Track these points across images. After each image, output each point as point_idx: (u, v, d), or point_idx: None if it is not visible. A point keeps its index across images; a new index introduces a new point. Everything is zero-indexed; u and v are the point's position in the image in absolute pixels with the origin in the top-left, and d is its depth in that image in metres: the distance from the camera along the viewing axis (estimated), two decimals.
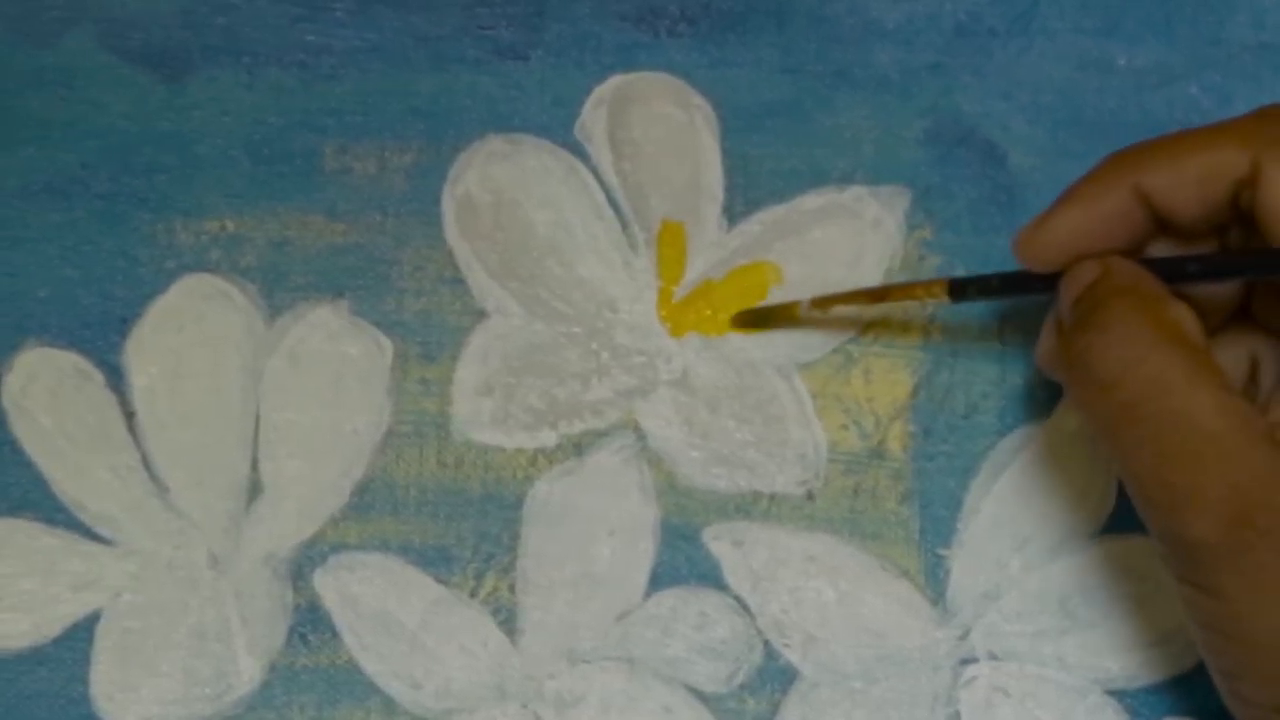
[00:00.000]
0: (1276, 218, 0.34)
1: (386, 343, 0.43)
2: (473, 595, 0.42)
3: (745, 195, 0.44)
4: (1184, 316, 0.34)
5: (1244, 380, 0.38)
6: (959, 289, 0.39)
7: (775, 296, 0.43)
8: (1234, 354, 0.38)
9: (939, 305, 0.43)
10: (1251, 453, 0.32)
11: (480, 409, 0.42)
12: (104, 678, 0.41)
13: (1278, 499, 0.32)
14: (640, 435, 0.42)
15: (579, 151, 0.44)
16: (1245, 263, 0.36)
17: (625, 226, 0.43)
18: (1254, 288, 0.38)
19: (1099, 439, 0.35)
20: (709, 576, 0.42)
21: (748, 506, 0.42)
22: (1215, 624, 0.33)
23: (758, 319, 0.43)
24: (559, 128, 0.44)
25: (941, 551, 0.42)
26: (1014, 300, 0.43)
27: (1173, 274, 0.36)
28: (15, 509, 0.42)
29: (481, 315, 0.43)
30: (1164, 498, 0.33)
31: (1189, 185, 0.35)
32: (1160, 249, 0.37)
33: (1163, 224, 0.36)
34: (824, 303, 0.42)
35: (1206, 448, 0.32)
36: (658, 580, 0.42)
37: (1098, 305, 0.35)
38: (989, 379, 0.42)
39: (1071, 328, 0.35)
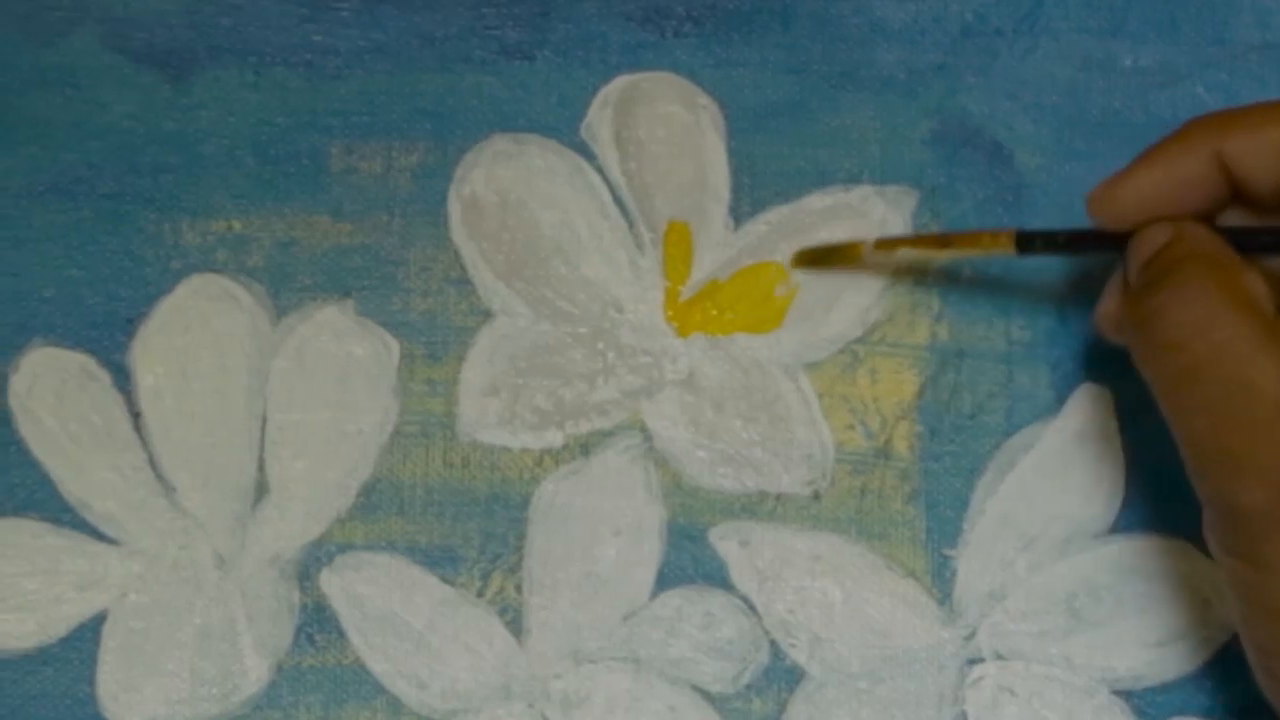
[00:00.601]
0: None
1: (393, 343, 0.43)
2: (479, 595, 0.41)
3: (751, 195, 0.44)
4: (1257, 285, 0.34)
5: None
6: (1026, 241, 0.39)
7: (782, 296, 0.43)
8: None
9: (945, 305, 0.43)
10: None
11: (486, 409, 0.42)
12: (109, 678, 0.41)
13: None
14: (646, 435, 0.42)
15: (585, 151, 0.44)
16: None
17: (631, 226, 0.43)
18: None
19: (1160, 400, 0.34)
20: (715, 576, 0.42)
21: (754, 506, 0.42)
22: (1257, 597, 0.33)
23: (819, 257, 0.42)
24: (565, 128, 0.44)
25: (948, 551, 0.42)
26: (1019, 300, 0.43)
27: (1245, 244, 0.35)
28: (21, 509, 0.42)
29: (487, 315, 0.43)
30: (1219, 464, 0.33)
31: (1269, 155, 0.35)
32: (1232, 218, 0.37)
33: (1238, 193, 0.36)
34: (889, 244, 0.41)
35: (1268, 416, 0.32)
36: (664, 580, 0.42)
37: (1172, 266, 0.35)
38: (995, 379, 0.42)
39: (1142, 287, 0.35)
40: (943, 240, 0.41)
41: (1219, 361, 0.33)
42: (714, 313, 0.43)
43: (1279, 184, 0.36)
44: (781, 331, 0.43)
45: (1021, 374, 0.42)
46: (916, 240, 0.41)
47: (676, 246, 0.43)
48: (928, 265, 0.43)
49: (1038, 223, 0.43)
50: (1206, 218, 0.37)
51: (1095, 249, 0.38)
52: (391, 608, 0.41)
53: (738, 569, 0.42)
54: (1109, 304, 0.38)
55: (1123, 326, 0.37)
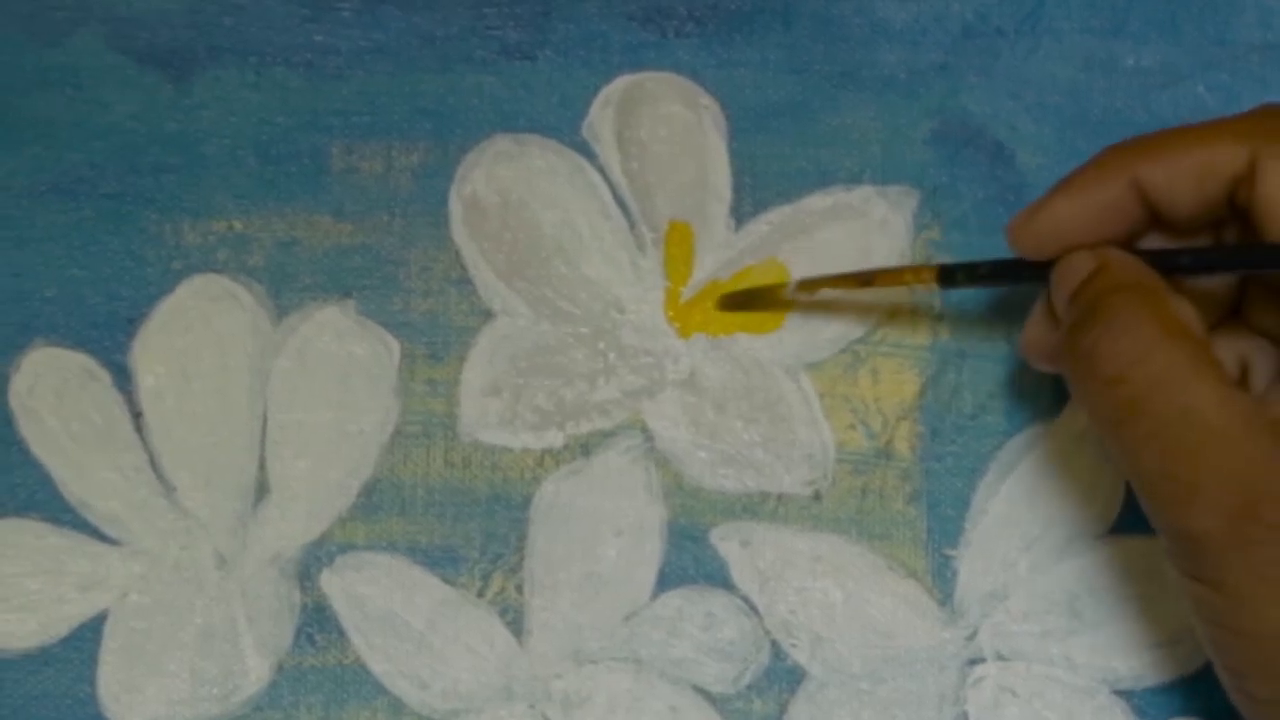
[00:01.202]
0: (1272, 214, 0.34)
1: (394, 343, 0.43)
2: (480, 595, 0.41)
3: (753, 195, 0.44)
4: (1186, 311, 0.34)
5: (1235, 383, 0.38)
6: (948, 275, 0.39)
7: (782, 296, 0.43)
8: (1225, 356, 0.38)
9: (946, 304, 0.43)
10: (1255, 446, 0.32)
11: (487, 409, 0.42)
12: (111, 678, 0.41)
13: None
14: (647, 435, 0.42)
15: (586, 151, 0.44)
16: (1239, 257, 0.36)
17: (632, 226, 0.43)
18: (1246, 289, 0.38)
19: (1103, 434, 0.35)
20: (716, 577, 0.42)
21: (755, 507, 0.42)
22: (1221, 620, 0.33)
23: (744, 300, 0.43)
24: (566, 128, 0.44)
25: (949, 552, 0.42)
26: (1020, 300, 0.43)
27: (1166, 266, 0.36)
28: (22, 509, 0.42)
29: (488, 315, 0.43)
30: (1169, 492, 0.33)
31: (1186, 180, 0.35)
32: (1153, 242, 0.37)
33: (1158, 218, 0.36)
34: (811, 285, 0.42)
35: (1211, 442, 0.32)
36: (665, 580, 0.42)
37: (1099, 300, 0.35)
38: (997, 379, 0.42)
39: (1074, 324, 0.35)
40: (865, 278, 0.41)
41: (1159, 391, 0.33)
42: (715, 313, 0.43)
43: (1197, 209, 0.36)
44: (783, 332, 0.43)
45: (1023, 374, 0.42)
46: (840, 279, 0.41)
47: (678, 247, 0.43)
48: (846, 304, 0.43)
49: None
50: (1126, 244, 0.37)
51: (1019, 279, 0.38)
52: (392, 608, 0.41)
53: (739, 569, 0.42)
54: (1033, 332, 0.38)
55: (1052, 356, 0.37)
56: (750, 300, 0.43)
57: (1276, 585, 0.32)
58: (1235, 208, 0.36)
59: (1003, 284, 0.40)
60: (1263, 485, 0.32)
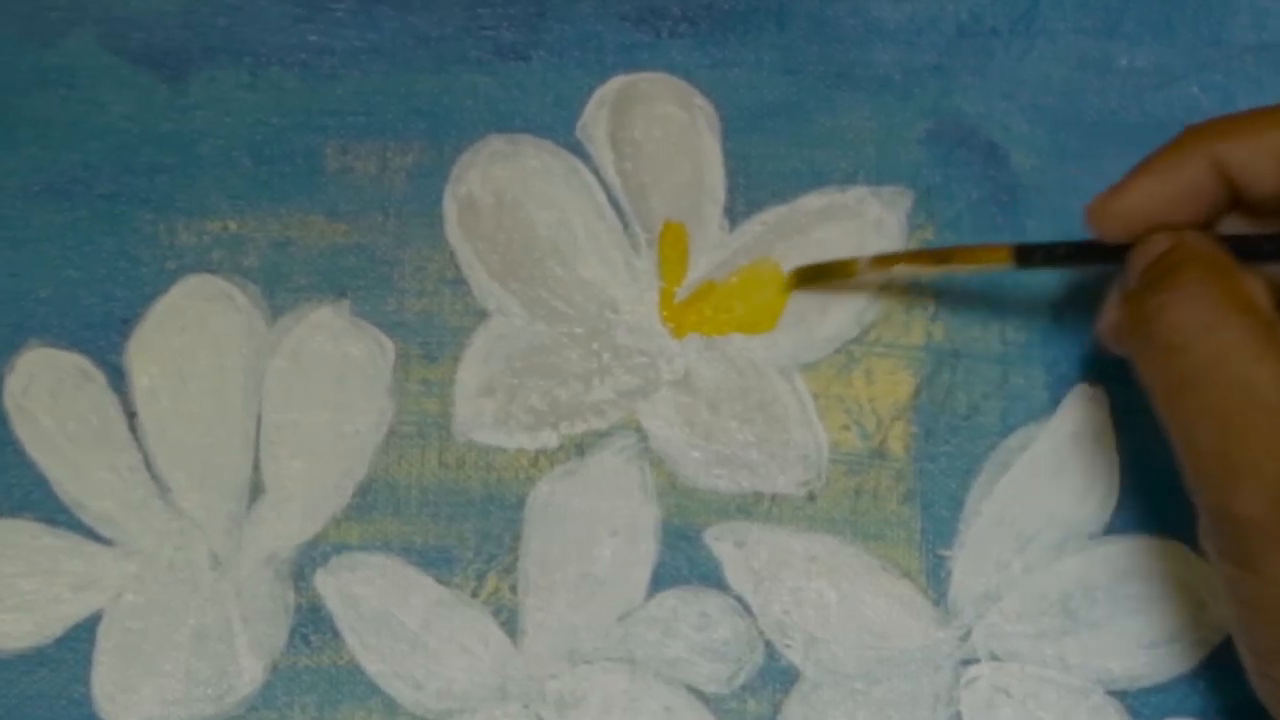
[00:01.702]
0: None
1: (388, 343, 0.43)
2: (474, 596, 0.41)
3: (747, 196, 0.44)
4: (1257, 288, 0.34)
5: None
6: (1025, 255, 0.39)
7: (775, 296, 0.43)
8: None
9: (940, 305, 0.43)
10: None
11: (482, 410, 0.42)
12: (105, 678, 0.41)
13: None
14: (642, 436, 0.42)
15: (580, 152, 0.44)
16: None
17: (627, 227, 0.43)
18: None
19: (1157, 404, 0.34)
20: (710, 577, 0.42)
21: (749, 507, 0.42)
22: (1254, 603, 0.33)
23: (815, 274, 0.42)
24: (560, 128, 0.44)
25: (943, 552, 0.42)
26: (1014, 301, 0.43)
27: (1246, 252, 0.35)
28: (17, 509, 0.42)
29: (483, 316, 0.43)
30: (1218, 469, 0.33)
31: (1268, 159, 0.35)
32: (1233, 225, 0.37)
33: (1238, 199, 0.36)
34: (885, 261, 0.41)
35: (1268, 422, 0.32)
36: (659, 581, 0.42)
37: (1172, 269, 0.34)
38: (990, 380, 0.42)
39: (1141, 289, 0.35)
40: (940, 255, 0.41)
41: (1221, 364, 0.33)
42: (709, 313, 0.43)
43: (1277, 189, 0.35)
44: (777, 332, 0.43)
45: (1017, 375, 0.42)
46: (913, 255, 0.41)
47: (672, 247, 0.43)
48: (923, 281, 0.42)
49: (1032, 223, 0.43)
50: (1208, 226, 0.36)
51: (1095, 261, 0.38)
52: (387, 608, 0.41)
53: (733, 570, 0.42)
54: (1110, 315, 0.38)
55: (1124, 334, 0.37)
56: (822, 274, 0.42)
57: None
58: None
59: (1081, 265, 0.40)
60: None
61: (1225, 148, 0.35)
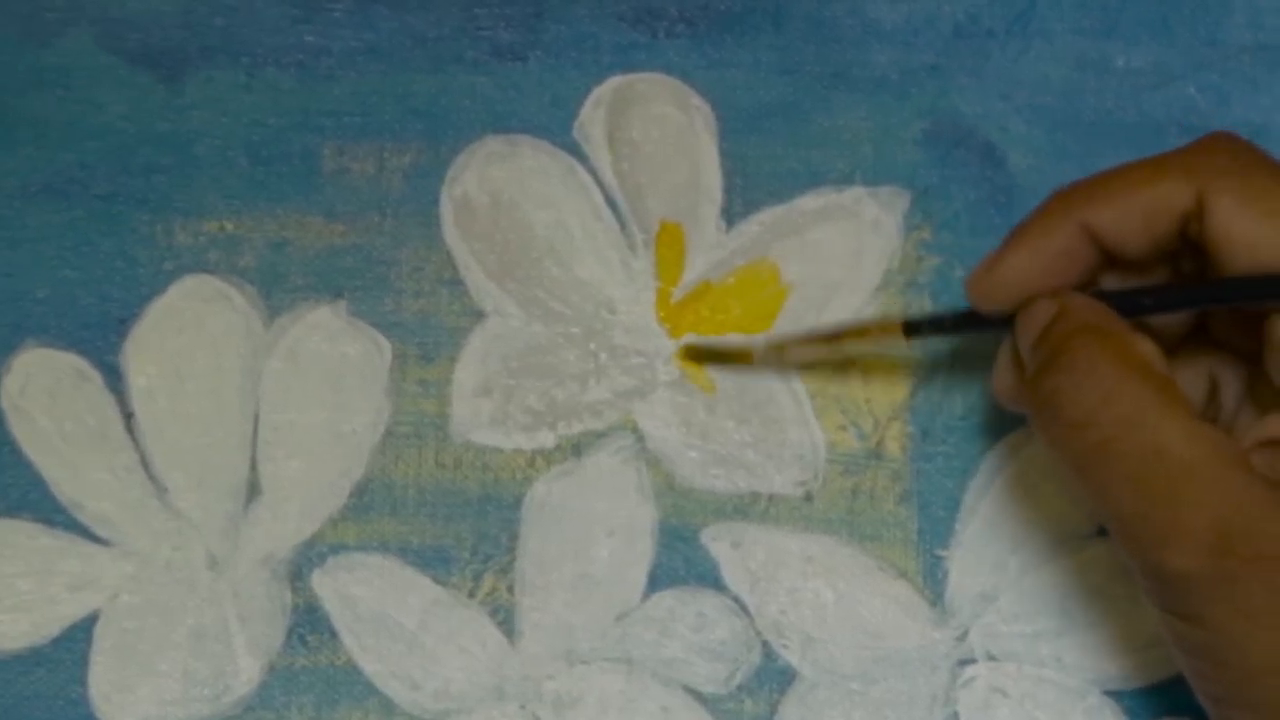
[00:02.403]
0: (1225, 248, 0.34)
1: (385, 343, 0.43)
2: (471, 596, 0.42)
3: (744, 196, 0.44)
4: (1147, 348, 0.34)
5: (1204, 402, 0.38)
6: (913, 328, 0.39)
7: (772, 296, 0.43)
8: (1192, 375, 0.38)
9: (937, 306, 0.43)
10: (1229, 481, 0.32)
11: (479, 410, 0.42)
12: (102, 679, 0.41)
13: (1258, 525, 0.32)
14: (638, 436, 0.42)
15: (577, 152, 0.44)
16: (1198, 294, 0.36)
17: (624, 227, 0.44)
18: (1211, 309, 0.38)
19: (1073, 479, 0.34)
20: (707, 577, 0.42)
21: (746, 507, 0.42)
22: (1204, 653, 0.33)
23: (709, 355, 0.43)
24: (557, 128, 0.44)
25: (940, 552, 0.42)
26: None
27: (1128, 308, 0.36)
28: (13, 510, 0.42)
29: (480, 316, 0.43)
30: (1145, 532, 0.33)
31: (1135, 220, 0.35)
32: (1112, 280, 0.37)
33: (1112, 258, 0.36)
34: (779, 345, 0.42)
35: (1184, 479, 0.32)
36: (656, 581, 0.42)
37: (1061, 345, 0.34)
38: (987, 380, 0.42)
39: (1036, 371, 0.35)
40: (833, 336, 0.41)
41: (1127, 432, 0.33)
42: (706, 314, 0.43)
43: (1149, 247, 0.36)
44: (774, 332, 0.43)
45: None
46: (807, 338, 0.41)
47: (669, 247, 0.43)
48: (816, 362, 0.42)
49: None
50: (1086, 285, 0.36)
51: (984, 328, 0.38)
52: (384, 608, 0.41)
53: (730, 570, 0.42)
54: (1002, 378, 0.38)
55: (1023, 400, 0.37)
56: (716, 356, 0.43)
57: (1256, 619, 0.32)
58: (1188, 241, 0.35)
59: (968, 333, 0.40)
60: (1238, 520, 0.32)
61: (1092, 212, 0.35)
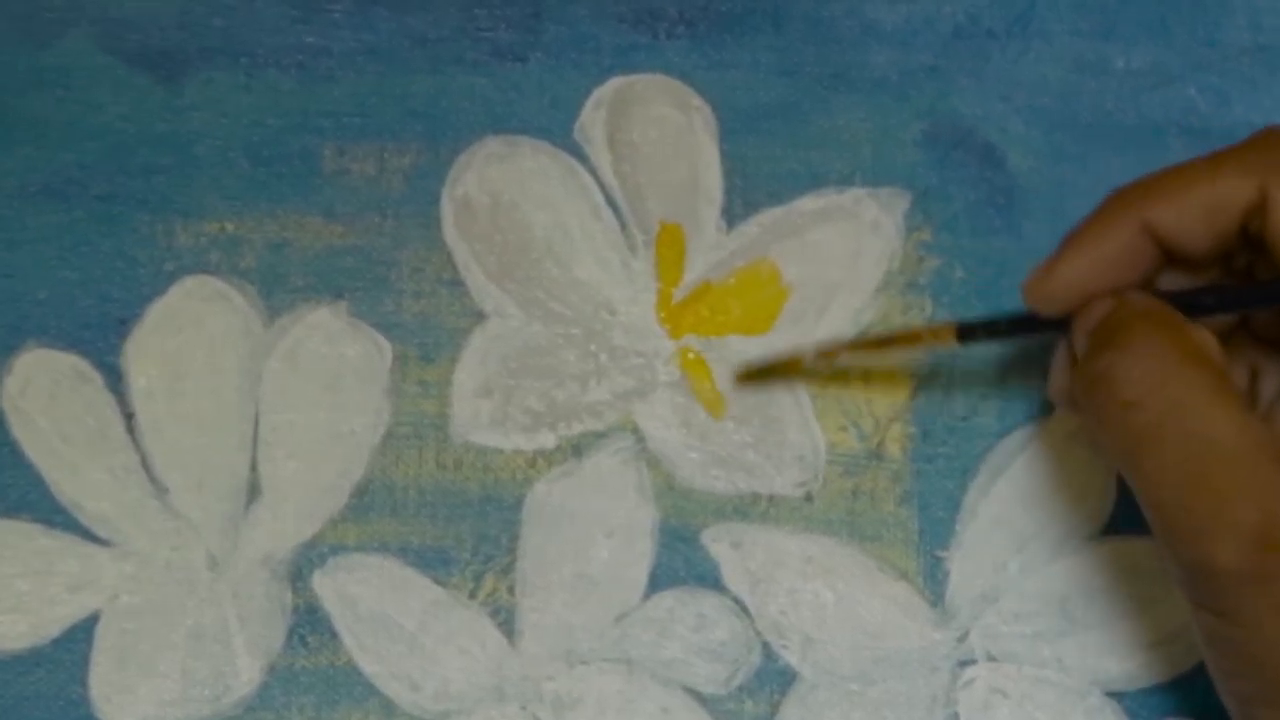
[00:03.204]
0: None
1: (385, 344, 0.43)
2: (471, 596, 0.41)
3: (744, 197, 0.44)
4: (1205, 338, 0.34)
5: (1244, 393, 0.38)
6: (967, 332, 0.39)
7: (772, 297, 0.43)
8: (1234, 366, 0.38)
9: (937, 306, 0.43)
10: (1274, 475, 0.32)
11: (479, 411, 0.42)
12: (102, 679, 0.41)
13: None
14: (639, 437, 0.42)
15: (577, 153, 0.44)
16: (1259, 294, 0.36)
17: (624, 228, 0.44)
18: None
19: (1118, 462, 0.34)
20: (707, 578, 0.42)
21: (746, 508, 0.42)
22: (1236, 650, 0.33)
23: (762, 373, 0.42)
24: (557, 129, 0.44)
25: (940, 553, 0.42)
26: (1011, 301, 0.43)
27: (1188, 307, 0.35)
28: (13, 510, 0.42)
29: (480, 317, 0.43)
30: (1187, 523, 0.32)
31: (1196, 218, 0.35)
32: (1170, 280, 0.37)
33: (1171, 258, 0.36)
34: (829, 353, 0.42)
35: (1231, 470, 0.32)
36: (656, 582, 0.42)
37: (1118, 327, 0.34)
38: (988, 380, 0.42)
39: (1090, 350, 0.35)
40: (884, 341, 0.41)
41: (1178, 417, 0.33)
42: (706, 314, 0.43)
43: (1210, 244, 0.35)
44: (774, 333, 0.43)
45: (1014, 376, 0.42)
46: (858, 344, 0.41)
47: (669, 248, 0.43)
48: (866, 368, 0.42)
49: (1029, 224, 0.43)
50: (1145, 285, 0.36)
51: (1040, 331, 0.38)
52: (384, 609, 0.41)
53: (730, 570, 0.42)
54: (1059, 380, 0.38)
55: (1077, 399, 0.37)
56: (768, 372, 0.42)
57: None
58: (1249, 238, 0.35)
59: (1023, 337, 0.40)
60: None
61: (1153, 211, 0.35)
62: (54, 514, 0.42)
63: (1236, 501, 0.32)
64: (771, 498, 0.42)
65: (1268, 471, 0.32)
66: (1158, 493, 0.33)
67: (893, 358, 0.42)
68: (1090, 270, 0.36)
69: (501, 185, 0.44)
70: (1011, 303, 0.43)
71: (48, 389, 0.42)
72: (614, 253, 0.43)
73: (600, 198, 0.44)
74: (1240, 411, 0.32)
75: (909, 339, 0.41)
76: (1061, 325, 0.37)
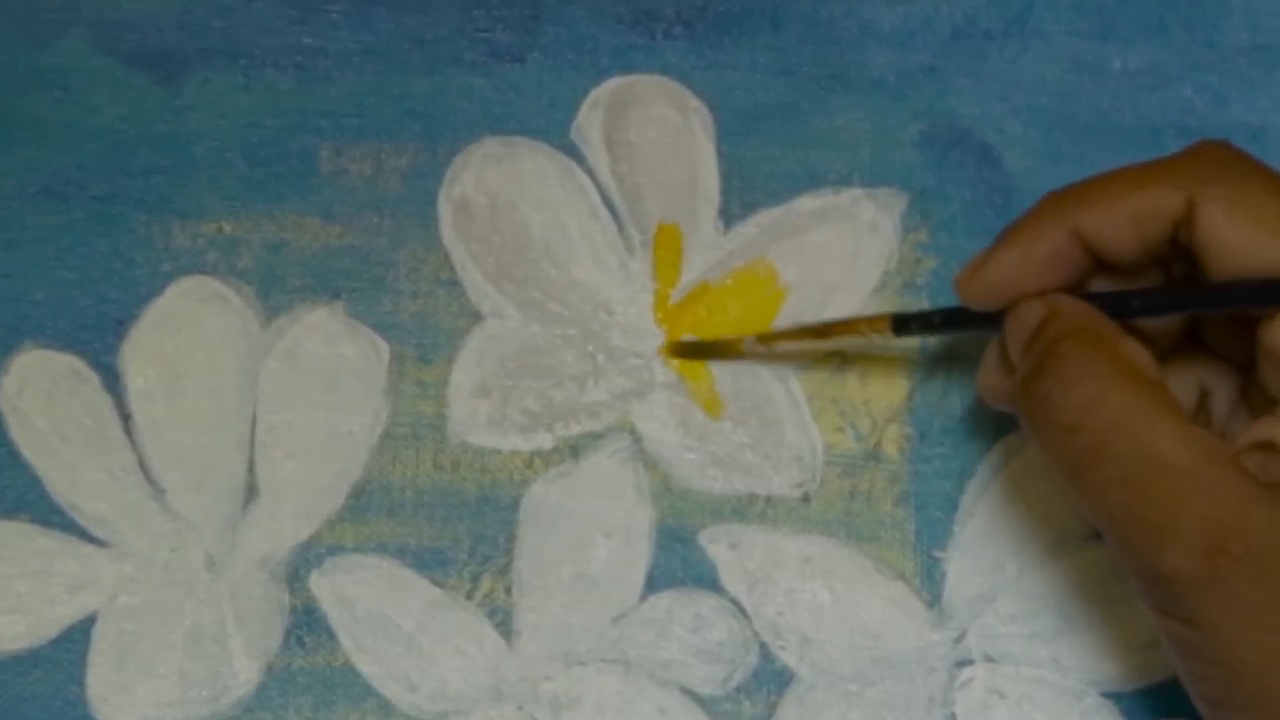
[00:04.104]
0: (1214, 255, 0.34)
1: (383, 345, 0.43)
2: (469, 597, 0.41)
3: (741, 198, 0.44)
4: (1137, 352, 0.34)
5: (1194, 408, 0.38)
6: (902, 324, 0.39)
7: (770, 297, 0.43)
8: (1183, 382, 0.38)
9: (935, 306, 0.43)
10: (1220, 481, 0.32)
11: (476, 411, 0.42)
12: (100, 680, 0.41)
13: (1249, 525, 0.32)
14: (636, 437, 0.42)
15: (575, 154, 0.44)
16: (1186, 298, 0.36)
17: (621, 229, 0.44)
18: (1202, 315, 0.38)
19: (1066, 482, 0.35)
20: (705, 579, 0.42)
21: (744, 509, 0.42)
22: (1198, 654, 0.33)
23: (697, 350, 0.43)
24: (555, 130, 0.44)
25: (937, 554, 0.42)
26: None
27: (1116, 310, 0.36)
28: (11, 511, 0.42)
29: (477, 317, 0.43)
30: (1138, 534, 0.33)
31: (1125, 226, 0.35)
32: (1102, 284, 0.37)
33: (1102, 262, 0.36)
34: (768, 339, 0.42)
35: (1176, 481, 0.32)
36: (654, 582, 0.42)
37: (1050, 349, 0.35)
38: None
39: (1027, 374, 0.35)
40: (822, 331, 0.41)
41: (1118, 435, 0.33)
42: (704, 315, 0.43)
43: (1139, 252, 0.36)
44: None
45: None
46: (796, 332, 0.42)
47: (666, 249, 0.43)
48: (804, 354, 0.43)
49: None
50: (1076, 288, 0.37)
51: (972, 327, 0.38)
52: (381, 609, 0.41)
53: (727, 571, 0.42)
54: (988, 377, 0.38)
55: (1010, 399, 0.37)
56: (704, 350, 0.43)
57: (1249, 619, 0.32)
58: (1178, 247, 0.35)
59: (956, 332, 0.40)
60: (1230, 521, 0.32)
61: (1082, 217, 0.35)
62: (52, 514, 0.42)
63: (1183, 509, 0.32)
64: (769, 498, 0.42)
65: (1210, 477, 0.32)
66: (1108, 509, 0.33)
67: (830, 345, 0.42)
68: (1020, 269, 0.36)
69: (499, 186, 0.44)
70: None
71: (45, 389, 0.42)
72: (611, 253, 0.43)
73: (598, 198, 0.44)
74: (1179, 422, 0.33)
75: (846, 329, 0.41)
76: (994, 322, 0.37)
